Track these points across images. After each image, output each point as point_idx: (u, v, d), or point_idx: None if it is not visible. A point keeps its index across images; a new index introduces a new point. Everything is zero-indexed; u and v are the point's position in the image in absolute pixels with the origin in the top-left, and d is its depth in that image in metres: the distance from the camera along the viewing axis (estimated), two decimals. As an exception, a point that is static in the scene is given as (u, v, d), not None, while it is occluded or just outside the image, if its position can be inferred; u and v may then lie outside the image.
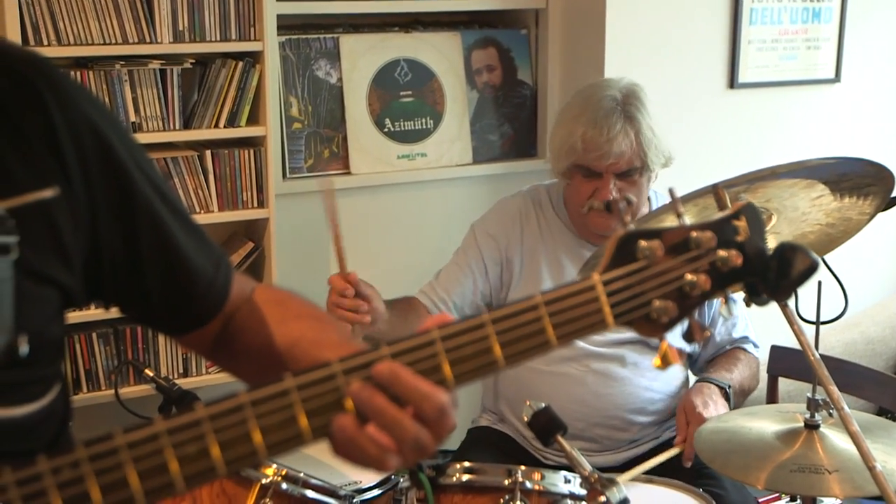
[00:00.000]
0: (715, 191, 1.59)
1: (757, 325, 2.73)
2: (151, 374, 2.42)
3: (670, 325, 0.97)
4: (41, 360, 1.00)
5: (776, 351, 2.86)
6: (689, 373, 2.74)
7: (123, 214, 1.07)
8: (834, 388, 1.47)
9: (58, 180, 1.00)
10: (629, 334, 2.46)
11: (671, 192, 1.04)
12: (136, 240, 1.08)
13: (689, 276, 0.95)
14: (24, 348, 0.97)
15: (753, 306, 1.84)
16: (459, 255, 2.67)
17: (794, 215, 1.73)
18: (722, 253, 0.96)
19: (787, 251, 0.95)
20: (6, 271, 0.95)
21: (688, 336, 0.98)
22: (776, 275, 0.95)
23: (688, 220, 0.97)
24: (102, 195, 1.04)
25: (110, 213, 1.05)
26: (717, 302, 2.79)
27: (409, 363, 0.94)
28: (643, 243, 0.96)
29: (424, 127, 3.34)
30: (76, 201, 1.02)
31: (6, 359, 0.95)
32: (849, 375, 2.68)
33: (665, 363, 0.97)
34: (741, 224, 0.96)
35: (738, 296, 1.01)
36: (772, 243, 1.85)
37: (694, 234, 0.96)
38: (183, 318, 1.18)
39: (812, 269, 0.95)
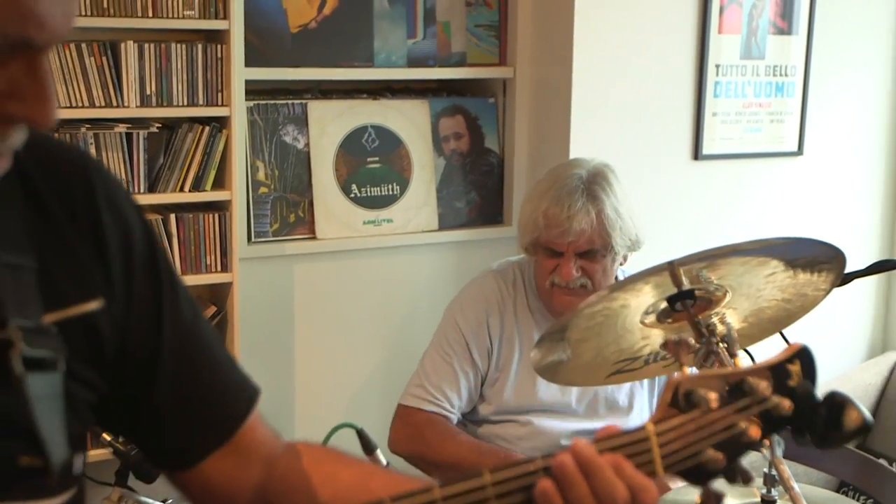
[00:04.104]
0: (671, 268, 1.60)
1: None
2: (109, 437, 2.39)
3: (718, 474, 0.96)
4: (72, 457, 0.98)
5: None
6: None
7: (155, 317, 1.05)
8: (784, 468, 1.48)
9: (103, 290, 0.99)
10: (603, 423, 2.46)
11: (747, 352, 1.08)
12: (160, 345, 1.05)
13: (741, 424, 0.95)
14: (78, 466, 0.97)
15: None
16: (446, 351, 2.55)
17: (748, 291, 1.75)
18: (775, 399, 0.95)
19: (838, 402, 0.95)
20: (57, 387, 0.93)
21: (732, 479, 0.98)
22: (824, 423, 0.95)
23: (742, 363, 0.99)
24: (139, 300, 1.03)
25: (144, 316, 1.04)
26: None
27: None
28: (700, 392, 0.96)
29: (391, 193, 3.36)
30: (118, 310, 1.01)
31: (62, 478, 0.94)
32: (810, 448, 2.68)
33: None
34: (794, 369, 0.96)
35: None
36: (731, 318, 1.88)
37: (750, 379, 0.96)
38: (193, 437, 1.10)
39: (865, 429, 0.95)
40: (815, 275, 1.76)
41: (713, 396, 0.95)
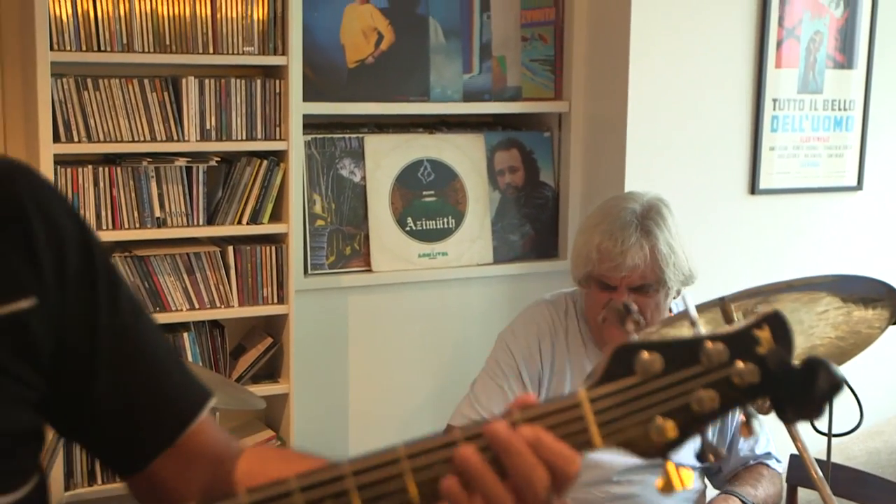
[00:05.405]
0: (722, 305, 1.59)
1: (775, 433, 2.70)
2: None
3: (670, 446, 0.88)
4: (18, 452, 1.00)
5: (795, 460, 2.82)
6: (710, 486, 2.69)
7: (89, 318, 1.05)
8: (836, 508, 1.45)
9: (35, 290, 1.01)
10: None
11: (684, 298, 0.98)
12: (96, 346, 1.05)
13: (696, 393, 0.87)
14: (28, 461, 0.98)
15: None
16: (497, 374, 2.56)
17: (799, 328, 1.73)
18: (739, 366, 0.87)
19: (813, 365, 0.86)
20: None
21: (700, 456, 0.90)
22: (799, 390, 0.86)
23: (702, 329, 0.90)
24: (73, 301, 1.04)
25: (79, 317, 1.05)
26: (738, 417, 2.72)
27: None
28: (644, 355, 0.87)
29: (446, 226, 3.38)
30: (51, 310, 1.02)
31: (8, 474, 0.95)
32: (867, 487, 2.64)
33: (668, 488, 0.88)
34: (764, 335, 0.87)
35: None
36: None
37: (707, 345, 0.87)
38: (137, 440, 1.09)
39: (835, 387, 0.86)
40: (869, 312, 1.75)
41: (658, 360, 0.87)
